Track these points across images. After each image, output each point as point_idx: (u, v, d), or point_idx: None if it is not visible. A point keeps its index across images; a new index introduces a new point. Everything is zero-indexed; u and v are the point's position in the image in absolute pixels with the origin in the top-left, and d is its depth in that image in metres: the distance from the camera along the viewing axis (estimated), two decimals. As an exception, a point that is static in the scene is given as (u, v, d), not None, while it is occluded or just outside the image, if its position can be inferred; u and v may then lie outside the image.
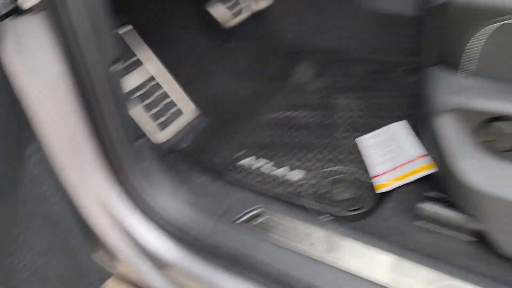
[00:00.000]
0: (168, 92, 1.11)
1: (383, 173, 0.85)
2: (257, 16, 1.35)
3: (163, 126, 1.07)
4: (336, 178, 0.90)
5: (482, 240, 0.66)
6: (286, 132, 1.06)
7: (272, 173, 0.95)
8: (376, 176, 0.86)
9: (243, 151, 1.01)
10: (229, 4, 1.27)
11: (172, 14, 1.23)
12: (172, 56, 1.15)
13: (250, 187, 0.91)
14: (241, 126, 1.10)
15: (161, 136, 1.06)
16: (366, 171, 0.90)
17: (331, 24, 1.30)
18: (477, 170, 0.60)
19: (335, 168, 0.93)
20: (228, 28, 1.29)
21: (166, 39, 1.19)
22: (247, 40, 1.36)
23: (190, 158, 1.02)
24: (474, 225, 0.65)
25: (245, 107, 1.17)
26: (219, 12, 1.26)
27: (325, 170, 0.93)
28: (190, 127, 1.11)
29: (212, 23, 1.27)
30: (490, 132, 0.57)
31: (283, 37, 1.37)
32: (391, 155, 0.89)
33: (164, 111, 1.09)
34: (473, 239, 0.67)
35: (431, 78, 0.62)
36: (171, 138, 1.07)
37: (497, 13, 0.52)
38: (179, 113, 1.11)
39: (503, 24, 0.51)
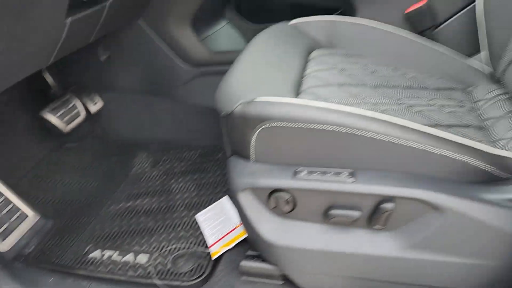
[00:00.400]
0: (8, 200, 1.14)
1: (216, 242, 1.03)
2: (93, 117, 1.48)
3: (5, 234, 1.09)
4: (178, 254, 1.05)
5: (289, 282, 0.87)
6: (131, 220, 1.18)
7: (121, 261, 1.05)
8: (211, 246, 1.03)
9: (91, 245, 1.09)
10: (64, 110, 1.38)
11: (4, 123, 1.28)
12: (7, 165, 1.19)
13: (102, 277, 0.99)
14: (88, 221, 1.18)
15: (4, 245, 1.07)
16: (204, 242, 1.07)
17: (161, 119, 1.50)
18: (272, 229, 0.81)
19: (177, 245, 1.07)
20: (67, 131, 1.38)
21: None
22: (86, 139, 1.46)
23: (38, 261, 1.05)
24: (281, 272, 0.86)
25: (90, 203, 1.26)
26: (54, 119, 1.35)
27: (169, 248, 1.07)
28: (33, 232, 1.15)
29: (50, 128, 1.35)
30: (275, 200, 0.79)
31: (119, 133, 1.52)
32: (220, 225, 1.08)
33: (5, 220, 1.11)
34: (282, 282, 0.88)
35: (229, 165, 0.83)
36: (14, 245, 1.10)
37: (261, 119, 0.76)
38: (20, 219, 1.14)
39: (264, 127, 0.75)
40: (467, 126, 0.91)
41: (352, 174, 0.74)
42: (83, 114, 1.42)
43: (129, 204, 1.24)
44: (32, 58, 0.96)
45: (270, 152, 0.78)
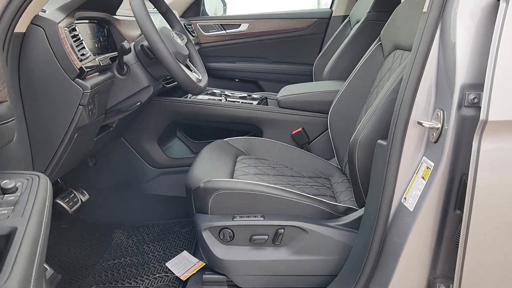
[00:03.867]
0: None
1: (184, 272, 1.62)
2: (81, 205, 2.04)
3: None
4: (160, 285, 1.61)
5: (233, 285, 1.49)
6: (119, 270, 1.72)
7: (117, 293, 1.59)
8: (181, 275, 1.62)
9: (94, 287, 1.62)
10: (68, 198, 1.94)
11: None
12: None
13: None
14: (87, 274, 1.71)
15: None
16: (176, 276, 1.65)
17: (132, 206, 2.12)
18: (222, 251, 1.46)
19: (156, 280, 1.64)
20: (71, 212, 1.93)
21: None
22: (76, 221, 2.02)
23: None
24: (228, 279, 1.48)
25: (86, 263, 1.78)
26: (64, 203, 1.91)
27: (149, 285, 1.63)
28: (49, 282, 1.65)
29: (60, 210, 1.89)
30: (223, 234, 1.45)
31: (100, 217, 2.09)
32: (184, 266, 1.68)
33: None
34: (229, 286, 1.49)
35: (195, 218, 1.49)
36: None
37: (214, 190, 1.45)
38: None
39: (216, 194, 1.44)
40: (325, 195, 1.68)
41: (263, 216, 1.44)
42: (80, 202, 1.99)
43: (115, 261, 1.78)
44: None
45: (219, 208, 1.47)
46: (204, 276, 1.52)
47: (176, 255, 1.81)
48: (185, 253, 1.80)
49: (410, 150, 1.14)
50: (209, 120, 2.07)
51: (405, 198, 1.16)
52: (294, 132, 2.02)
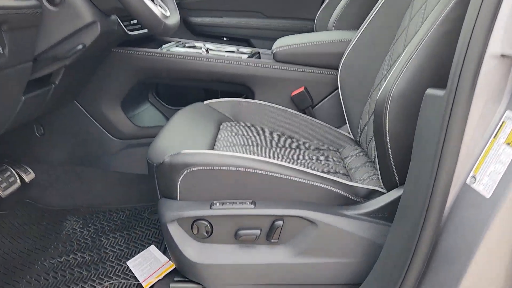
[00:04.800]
0: None
1: (148, 277, 1.22)
2: (25, 186, 1.62)
3: None
4: (112, 293, 1.21)
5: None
6: (65, 272, 1.31)
7: (58, 304, 1.18)
8: (144, 280, 1.21)
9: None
10: (1, 178, 1.51)
11: None
12: None
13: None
14: (23, 275, 1.29)
15: None
16: (137, 280, 1.24)
17: (91, 186, 1.69)
18: (195, 252, 1.04)
19: (112, 286, 1.24)
20: (4, 196, 1.51)
21: None
22: (18, 206, 1.59)
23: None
24: (203, 288, 1.07)
25: (22, 262, 1.37)
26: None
27: (102, 290, 1.22)
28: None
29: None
30: (196, 227, 1.03)
31: (50, 201, 1.66)
32: (149, 266, 1.27)
33: None
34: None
35: (160, 205, 1.07)
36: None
37: (185, 166, 1.02)
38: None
39: (187, 172, 1.02)
40: (336, 173, 1.26)
41: (252, 203, 1.02)
42: (18, 182, 1.56)
43: (61, 259, 1.37)
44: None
45: (192, 192, 1.04)
46: (171, 285, 1.11)
47: (142, 250, 1.39)
48: (152, 248, 1.39)
49: (484, 100, 0.72)
50: (186, 78, 1.62)
51: (473, 177, 0.74)
52: (294, 93, 1.59)
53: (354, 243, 1.02)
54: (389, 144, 0.98)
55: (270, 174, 1.02)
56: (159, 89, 1.99)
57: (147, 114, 1.87)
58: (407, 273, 0.81)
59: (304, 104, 1.59)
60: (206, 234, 1.03)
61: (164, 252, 1.35)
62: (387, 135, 0.97)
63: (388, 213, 1.02)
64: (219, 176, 1.02)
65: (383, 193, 1.07)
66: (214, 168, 1.01)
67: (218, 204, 1.03)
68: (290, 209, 1.01)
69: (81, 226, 1.55)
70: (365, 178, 1.21)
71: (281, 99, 1.61)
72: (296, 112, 1.51)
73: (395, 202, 1.01)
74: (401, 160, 0.97)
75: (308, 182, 1.03)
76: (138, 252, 1.38)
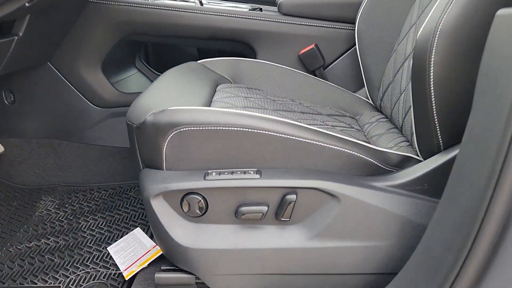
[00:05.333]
0: None
1: (130, 265, 1.01)
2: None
3: None
4: (88, 284, 1.00)
5: (205, 290, 0.88)
6: (33, 260, 1.10)
7: (22, 299, 0.97)
8: (125, 269, 1.00)
9: (-12, 286, 1.00)
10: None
11: None
12: None
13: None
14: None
15: None
16: (117, 272, 1.03)
17: (69, 162, 1.47)
18: (186, 234, 0.83)
19: (86, 276, 1.03)
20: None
21: None
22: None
23: None
24: (197, 279, 0.86)
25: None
26: None
27: (77, 280, 1.01)
28: None
29: None
30: (187, 203, 0.82)
31: (23, 178, 1.45)
32: (133, 252, 1.06)
33: None
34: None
35: (141, 177, 0.86)
36: None
37: (172, 126, 0.81)
38: None
39: (175, 133, 0.80)
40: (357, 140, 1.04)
41: (257, 172, 0.81)
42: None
43: (31, 244, 1.16)
44: None
45: (181, 159, 0.83)
46: (156, 275, 0.90)
47: (126, 233, 1.19)
48: (137, 231, 1.18)
49: None
50: (177, 35, 1.39)
51: None
52: (302, 52, 1.36)
53: (386, 221, 0.80)
54: (433, 95, 0.76)
55: (281, 135, 0.80)
56: (147, 53, 1.76)
57: (134, 81, 1.64)
58: (466, 261, 0.60)
59: (314, 65, 1.36)
60: (199, 212, 0.82)
61: (152, 236, 1.14)
62: (431, 83, 0.75)
63: (427, 185, 0.81)
64: (216, 138, 0.80)
65: (419, 160, 0.86)
66: (209, 127, 0.80)
67: (214, 174, 0.81)
68: (306, 180, 0.79)
69: (56, 207, 1.33)
70: (391, 146, 1.00)
71: (288, 58, 1.39)
72: (306, 74, 1.29)
73: (437, 171, 0.80)
74: (447, 116, 0.76)
75: (328, 146, 0.81)
76: (121, 236, 1.17)
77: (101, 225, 1.24)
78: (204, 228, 0.84)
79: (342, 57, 1.37)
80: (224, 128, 0.80)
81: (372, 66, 1.24)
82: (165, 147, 0.82)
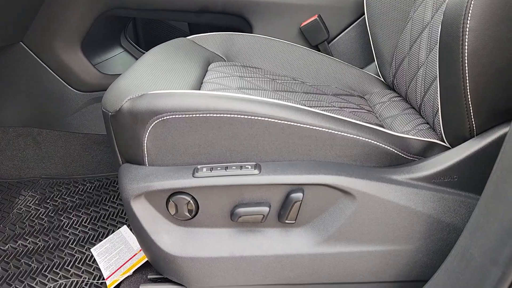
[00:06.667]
0: None
1: (113, 273, 0.89)
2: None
3: None
4: (67, 294, 0.88)
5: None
6: (8, 265, 0.99)
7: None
8: (107, 278, 0.89)
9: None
10: None
11: None
12: None
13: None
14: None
15: None
16: (100, 277, 0.92)
17: (50, 153, 1.34)
18: (174, 240, 0.71)
19: (66, 283, 0.91)
20: None
21: None
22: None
23: None
24: (188, 291, 0.75)
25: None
26: None
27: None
28: None
29: None
30: (174, 205, 0.70)
31: (0, 171, 1.32)
32: (118, 255, 0.95)
33: None
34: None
35: (120, 174, 0.73)
36: None
37: (153, 113, 0.67)
38: None
39: (156, 122, 0.67)
40: (368, 123, 0.91)
41: (256, 167, 0.68)
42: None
43: (6, 247, 1.04)
44: None
45: (166, 152, 0.70)
46: (141, 287, 0.78)
47: (112, 231, 1.07)
48: (124, 230, 1.06)
49: None
50: (164, 8, 1.24)
51: None
52: (304, 24, 1.21)
53: (409, 221, 0.68)
54: (466, 69, 0.62)
55: (283, 122, 0.67)
56: (135, 30, 1.61)
57: (119, 61, 1.49)
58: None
59: (317, 38, 1.22)
60: (188, 215, 0.70)
61: (140, 234, 1.02)
62: (465, 54, 0.61)
63: (457, 177, 0.69)
64: (205, 127, 0.67)
65: (448, 148, 0.73)
66: (197, 114, 0.66)
67: (204, 170, 0.68)
68: (314, 174, 0.66)
69: (37, 202, 1.21)
70: (409, 130, 0.87)
71: (288, 32, 1.24)
72: (308, 49, 1.15)
73: (469, 160, 0.67)
74: (484, 94, 0.63)
75: (340, 133, 0.68)
76: (107, 235, 1.05)
77: (85, 222, 1.12)
78: (194, 233, 0.71)
79: (349, 29, 1.23)
80: (214, 114, 0.66)
81: (383, 38, 1.10)
82: (146, 138, 0.69)
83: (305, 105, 0.91)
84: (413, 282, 0.71)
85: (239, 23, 1.29)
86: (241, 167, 0.68)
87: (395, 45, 1.07)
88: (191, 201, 0.69)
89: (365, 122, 0.86)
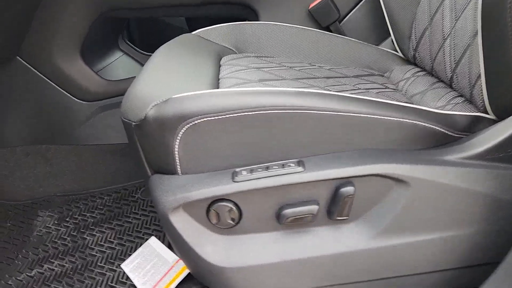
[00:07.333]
0: None
1: (154, 287, 0.85)
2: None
3: None
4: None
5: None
6: (39, 291, 0.94)
7: None
8: (145, 296, 0.85)
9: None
10: None
11: None
12: None
13: None
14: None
15: None
16: (135, 295, 0.88)
17: (62, 168, 1.29)
18: (218, 250, 0.67)
19: (103, 306, 0.87)
20: None
21: None
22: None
23: None
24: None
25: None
26: None
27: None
28: None
29: None
30: (216, 213, 0.65)
31: (11, 194, 1.27)
32: (153, 269, 0.90)
33: None
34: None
35: (151, 186, 0.68)
36: None
37: (182, 118, 0.62)
38: None
39: (187, 127, 0.62)
40: (406, 103, 0.87)
41: (299, 163, 0.63)
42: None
43: (33, 272, 1.00)
44: None
45: (199, 158, 0.65)
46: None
47: (140, 244, 1.02)
48: (153, 241, 1.01)
49: None
50: (164, 4, 1.18)
51: None
52: (313, 5, 1.16)
53: (468, 203, 0.64)
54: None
55: (323, 112, 0.62)
56: (130, 31, 1.54)
57: (120, 65, 1.43)
58: None
59: (328, 19, 1.16)
60: (232, 222, 0.65)
61: (170, 245, 0.98)
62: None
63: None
64: (240, 126, 0.62)
65: (494, 121, 0.68)
66: (231, 115, 0.61)
67: (244, 172, 0.63)
68: (363, 165, 0.62)
69: (56, 222, 1.16)
70: (443, 105, 0.82)
71: (297, 16, 1.18)
72: (320, 31, 1.09)
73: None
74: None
75: (385, 118, 0.63)
76: (136, 249, 1.01)
77: (110, 238, 1.07)
78: (239, 240, 0.67)
79: (360, 4, 1.17)
80: (249, 112, 0.61)
81: (398, 10, 1.04)
82: (176, 146, 0.64)
83: (330, 91, 0.86)
84: (475, 267, 0.67)
85: (244, 11, 1.23)
86: (283, 166, 0.63)
87: (412, 17, 1.01)
88: (233, 207, 0.64)
89: (403, 102, 0.81)
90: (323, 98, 0.62)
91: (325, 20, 1.16)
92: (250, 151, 0.65)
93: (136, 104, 0.67)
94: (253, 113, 0.61)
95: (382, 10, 1.09)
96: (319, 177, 0.62)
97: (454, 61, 0.83)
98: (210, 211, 0.65)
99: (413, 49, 1.02)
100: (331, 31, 1.18)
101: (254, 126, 0.62)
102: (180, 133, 0.63)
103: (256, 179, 0.62)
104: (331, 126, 0.63)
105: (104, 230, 1.10)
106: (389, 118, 0.63)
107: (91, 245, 1.06)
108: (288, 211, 0.63)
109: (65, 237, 1.10)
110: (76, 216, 1.17)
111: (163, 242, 1.00)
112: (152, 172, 0.71)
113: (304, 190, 0.63)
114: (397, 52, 1.09)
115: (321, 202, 0.64)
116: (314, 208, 0.63)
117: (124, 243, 1.04)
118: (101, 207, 1.19)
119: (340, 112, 0.62)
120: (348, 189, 0.62)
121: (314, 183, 0.63)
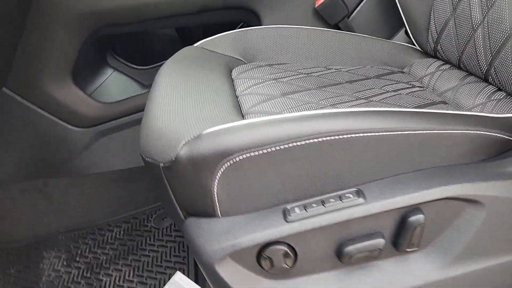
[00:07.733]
0: None
1: (189, 338, 0.77)
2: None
3: None
4: None
5: None
6: None
7: None
8: None
9: None
10: None
11: None
12: None
13: None
14: None
15: None
16: None
17: (64, 203, 1.19)
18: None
19: None
20: None
21: None
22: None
23: None
24: None
25: None
26: None
27: None
28: None
29: None
30: (269, 258, 0.57)
31: (13, 235, 1.17)
32: (186, 312, 0.82)
33: None
34: None
35: (188, 232, 0.60)
36: None
37: (221, 156, 0.54)
38: None
39: (227, 166, 0.54)
40: (434, 104, 0.80)
41: (359, 193, 0.56)
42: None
43: (50, 325, 0.91)
44: None
45: (242, 198, 0.57)
46: None
47: (164, 281, 0.94)
48: (179, 277, 0.93)
49: None
50: (160, 15, 1.09)
51: None
52: (319, 3, 1.08)
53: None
54: None
55: (381, 134, 0.54)
56: (119, 45, 1.44)
57: (113, 84, 1.33)
58: None
59: (336, 16, 1.09)
60: (287, 265, 0.58)
61: (197, 279, 0.90)
62: None
63: None
64: (289, 158, 0.54)
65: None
66: (278, 147, 0.53)
67: (297, 210, 0.56)
68: (430, 189, 0.55)
69: (65, 263, 1.07)
70: (483, 102, 0.76)
71: (302, 16, 1.11)
72: (329, 30, 1.02)
73: None
74: None
75: (445, 132, 0.56)
76: (159, 285, 0.93)
77: (129, 276, 0.98)
78: (296, 284, 0.59)
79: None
80: (299, 142, 0.54)
81: (413, 1, 0.98)
82: (215, 186, 0.56)
83: (361, 98, 0.79)
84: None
85: (244, 16, 1.15)
86: (340, 198, 0.55)
87: (429, 6, 0.95)
88: (287, 250, 0.56)
89: (428, 105, 0.75)
90: (379, 117, 0.55)
91: (334, 18, 1.08)
92: (300, 184, 0.57)
93: (161, 144, 0.59)
94: (304, 142, 0.53)
95: (392, 1, 1.02)
96: (384, 208, 0.54)
97: (490, 53, 0.77)
98: (261, 256, 0.57)
99: (433, 41, 0.95)
100: (340, 29, 1.10)
101: (305, 157, 0.54)
102: (219, 172, 0.55)
103: (312, 216, 0.55)
104: (389, 148, 0.56)
105: (121, 268, 1.01)
106: (451, 131, 0.57)
107: (108, 286, 0.97)
108: (351, 249, 0.56)
109: (78, 280, 1.01)
110: (86, 254, 1.08)
111: (188, 276, 0.92)
112: (185, 216, 0.63)
113: (366, 222, 0.56)
114: (413, 45, 1.03)
115: (386, 233, 0.57)
116: (380, 242, 0.56)
117: (146, 281, 0.96)
118: (112, 241, 1.10)
119: (399, 131, 0.55)
120: (418, 218, 0.55)
121: (376, 215, 0.56)
